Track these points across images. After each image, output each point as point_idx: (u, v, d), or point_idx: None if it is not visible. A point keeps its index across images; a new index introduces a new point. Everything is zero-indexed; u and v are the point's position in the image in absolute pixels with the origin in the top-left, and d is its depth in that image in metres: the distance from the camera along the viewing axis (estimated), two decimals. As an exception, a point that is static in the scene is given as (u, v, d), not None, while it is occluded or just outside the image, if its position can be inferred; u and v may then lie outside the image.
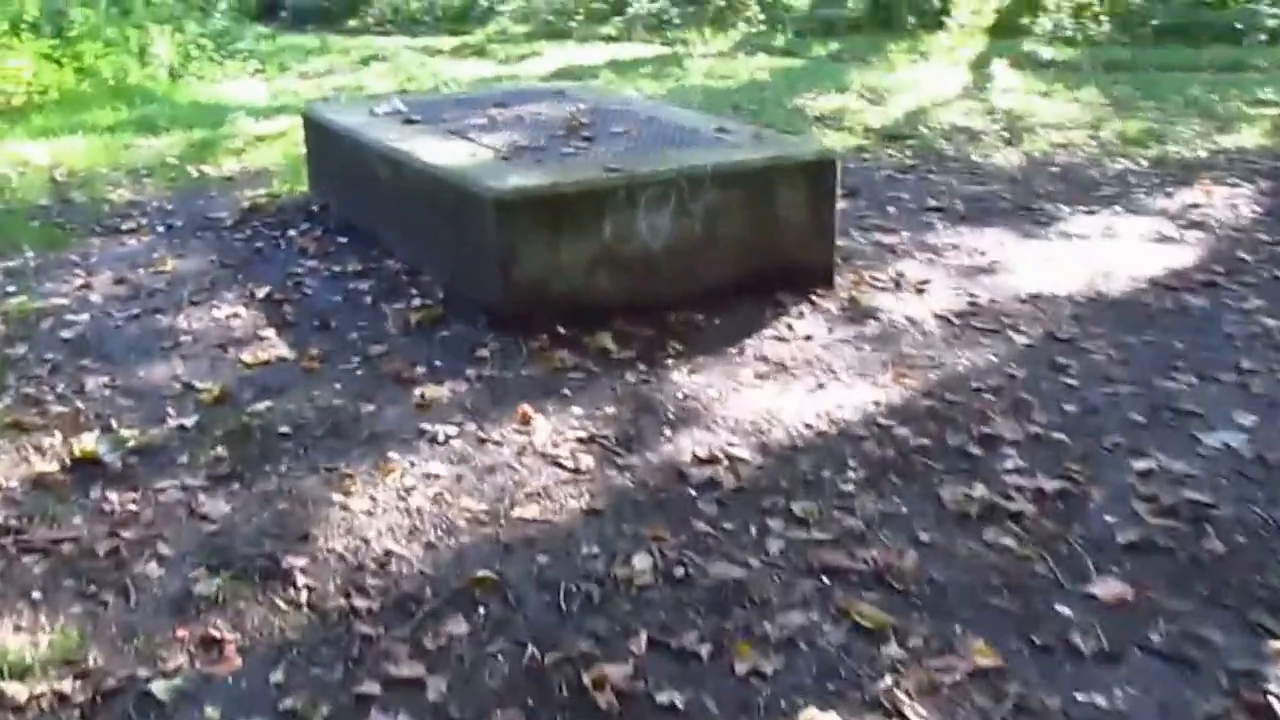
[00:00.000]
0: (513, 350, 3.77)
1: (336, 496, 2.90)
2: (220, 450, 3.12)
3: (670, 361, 3.72)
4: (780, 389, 3.55)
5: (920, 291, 4.40)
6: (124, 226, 5.18)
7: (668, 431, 3.27)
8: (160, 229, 5.18)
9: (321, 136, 5.27)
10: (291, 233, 5.00)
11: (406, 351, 3.78)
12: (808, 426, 3.30)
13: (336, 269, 4.55)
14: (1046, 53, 10.61)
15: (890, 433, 3.26)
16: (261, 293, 4.31)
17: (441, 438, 3.20)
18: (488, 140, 4.50)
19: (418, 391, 3.47)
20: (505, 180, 3.87)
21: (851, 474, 3.02)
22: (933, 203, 5.61)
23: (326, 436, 3.22)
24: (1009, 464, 3.05)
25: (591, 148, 4.35)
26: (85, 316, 4.14)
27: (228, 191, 5.84)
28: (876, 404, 3.44)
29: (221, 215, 5.34)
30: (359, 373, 3.64)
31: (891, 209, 5.56)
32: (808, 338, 3.95)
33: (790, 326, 4.03)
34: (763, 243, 4.20)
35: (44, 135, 7.10)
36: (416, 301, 4.17)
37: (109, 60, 9.53)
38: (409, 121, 4.95)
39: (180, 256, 4.79)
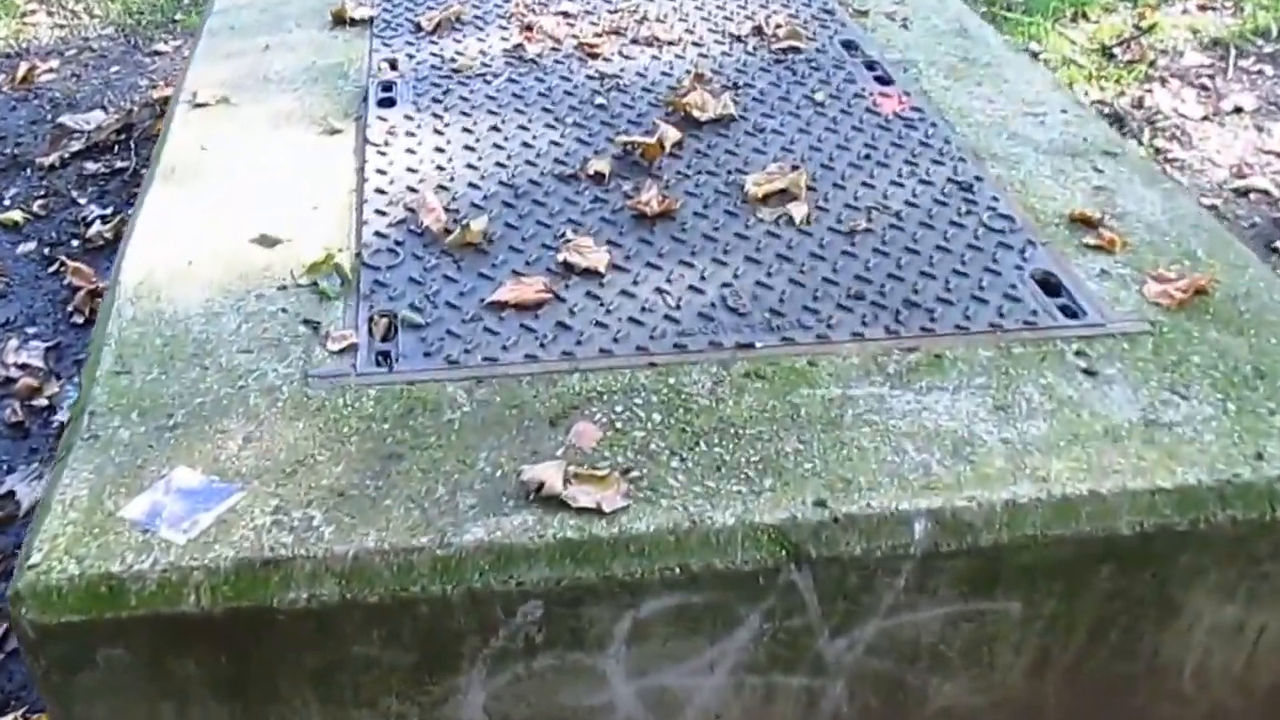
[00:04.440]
0: None
1: None
2: None
3: None
4: None
5: None
6: None
7: None
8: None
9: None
10: (100, 224, 2.44)
11: None
12: None
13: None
14: None
15: None
16: None
17: None
18: (419, 163, 1.76)
19: None
20: (133, 507, 1.18)
21: None
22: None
23: None
24: None
25: (650, 278, 1.51)
26: None
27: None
28: None
29: (80, 128, 2.83)
30: None
31: None
32: None
33: None
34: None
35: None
36: None
37: None
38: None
39: None
